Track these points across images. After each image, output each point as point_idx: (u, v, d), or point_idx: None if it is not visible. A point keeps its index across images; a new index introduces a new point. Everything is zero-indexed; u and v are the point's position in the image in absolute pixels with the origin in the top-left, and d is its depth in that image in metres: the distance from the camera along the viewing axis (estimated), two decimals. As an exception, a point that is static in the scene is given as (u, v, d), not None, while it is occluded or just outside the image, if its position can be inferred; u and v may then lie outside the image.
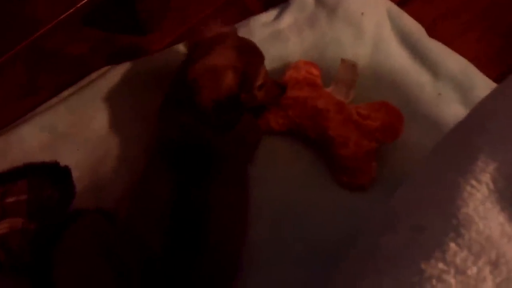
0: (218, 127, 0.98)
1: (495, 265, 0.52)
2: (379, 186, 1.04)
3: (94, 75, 1.20)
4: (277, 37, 1.20)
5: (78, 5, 1.28)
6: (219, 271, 0.92)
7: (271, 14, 1.24)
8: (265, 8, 1.26)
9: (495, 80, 1.16)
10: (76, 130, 1.13)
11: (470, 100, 1.12)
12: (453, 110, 1.11)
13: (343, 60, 1.13)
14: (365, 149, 1.03)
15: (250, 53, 1.02)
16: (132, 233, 0.91)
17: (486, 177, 0.58)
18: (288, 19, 1.22)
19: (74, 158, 1.08)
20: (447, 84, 1.15)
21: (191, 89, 0.95)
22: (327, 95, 1.08)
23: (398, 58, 1.19)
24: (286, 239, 1.00)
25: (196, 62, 0.96)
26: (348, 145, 1.03)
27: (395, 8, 1.24)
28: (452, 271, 0.53)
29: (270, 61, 1.11)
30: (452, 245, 0.55)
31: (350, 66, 1.13)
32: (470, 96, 1.13)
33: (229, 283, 0.94)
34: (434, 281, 0.53)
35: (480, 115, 0.68)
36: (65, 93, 1.18)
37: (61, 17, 1.28)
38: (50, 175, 1.02)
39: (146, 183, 0.97)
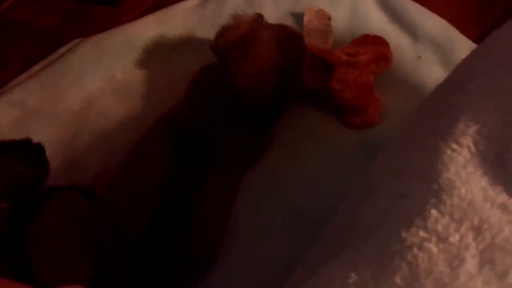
0: (261, 123, 0.99)
1: (478, 231, 0.50)
2: (360, 153, 1.02)
3: (64, 49, 1.17)
4: (252, 3, 1.17)
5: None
6: (196, 260, 0.90)
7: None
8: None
9: (475, 41, 1.13)
10: (48, 106, 1.10)
11: (450, 62, 1.09)
12: (434, 73, 1.09)
13: (308, 9, 1.14)
14: (365, 84, 1.04)
15: (289, 41, 1.00)
16: (111, 211, 0.89)
17: (467, 140, 0.56)
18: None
19: (47, 134, 1.06)
20: (427, 46, 1.13)
21: (235, 93, 0.95)
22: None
23: (376, 21, 1.17)
24: (266, 208, 0.98)
25: (237, 68, 0.96)
26: (349, 86, 1.03)
27: (372, -30, 1.21)
28: (434, 239, 0.51)
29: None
30: (434, 211, 0.53)
31: (317, 11, 1.13)
32: (451, 57, 1.10)
33: (205, 271, 0.92)
34: (415, 250, 0.51)
35: (459, 77, 0.66)
36: (36, 67, 1.16)
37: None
38: (22, 153, 0.99)
39: (137, 162, 0.94)
